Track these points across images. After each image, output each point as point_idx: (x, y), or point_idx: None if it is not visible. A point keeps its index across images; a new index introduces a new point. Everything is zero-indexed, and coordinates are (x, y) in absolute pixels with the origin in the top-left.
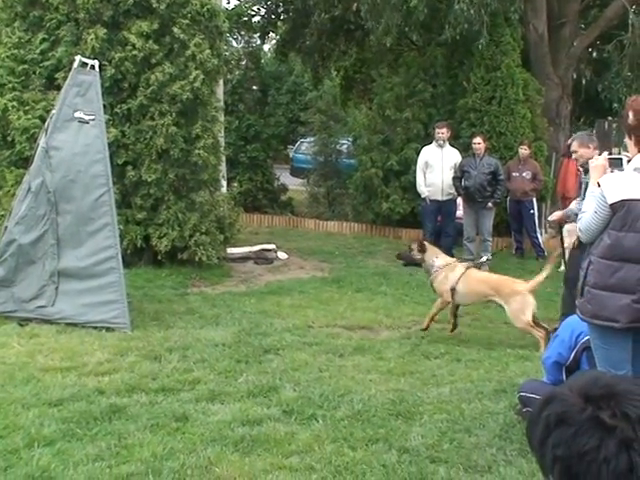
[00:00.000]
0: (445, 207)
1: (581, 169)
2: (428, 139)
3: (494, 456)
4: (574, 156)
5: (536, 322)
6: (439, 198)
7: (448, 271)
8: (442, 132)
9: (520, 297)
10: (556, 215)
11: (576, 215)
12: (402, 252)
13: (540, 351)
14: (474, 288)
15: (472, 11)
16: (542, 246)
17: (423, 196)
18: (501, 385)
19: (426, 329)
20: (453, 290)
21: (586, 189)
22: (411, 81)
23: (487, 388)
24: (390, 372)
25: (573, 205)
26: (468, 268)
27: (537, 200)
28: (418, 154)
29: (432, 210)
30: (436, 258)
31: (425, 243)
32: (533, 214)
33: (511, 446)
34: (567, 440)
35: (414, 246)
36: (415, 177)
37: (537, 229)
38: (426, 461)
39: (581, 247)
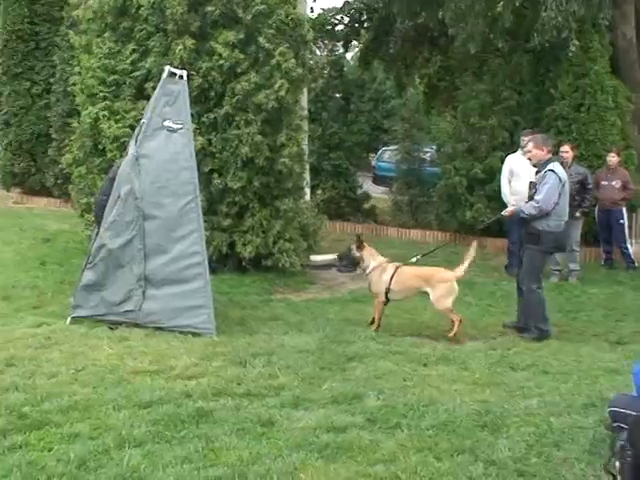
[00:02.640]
0: None
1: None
2: (513, 147)
3: (583, 471)
4: (527, 155)
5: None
6: None
7: (380, 272)
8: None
9: (446, 285)
10: (508, 211)
11: (522, 212)
12: (342, 252)
13: (452, 332)
14: (406, 284)
15: (560, 18)
16: (632, 256)
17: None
18: (590, 399)
19: (377, 329)
20: (388, 290)
21: (535, 188)
22: (496, 88)
23: (576, 402)
24: (475, 383)
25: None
26: (398, 267)
27: (627, 210)
28: (503, 162)
29: (518, 219)
30: (372, 260)
31: (363, 241)
32: (623, 224)
33: (601, 461)
34: None
35: (353, 245)
36: (500, 186)
37: (627, 239)
38: (513, 474)
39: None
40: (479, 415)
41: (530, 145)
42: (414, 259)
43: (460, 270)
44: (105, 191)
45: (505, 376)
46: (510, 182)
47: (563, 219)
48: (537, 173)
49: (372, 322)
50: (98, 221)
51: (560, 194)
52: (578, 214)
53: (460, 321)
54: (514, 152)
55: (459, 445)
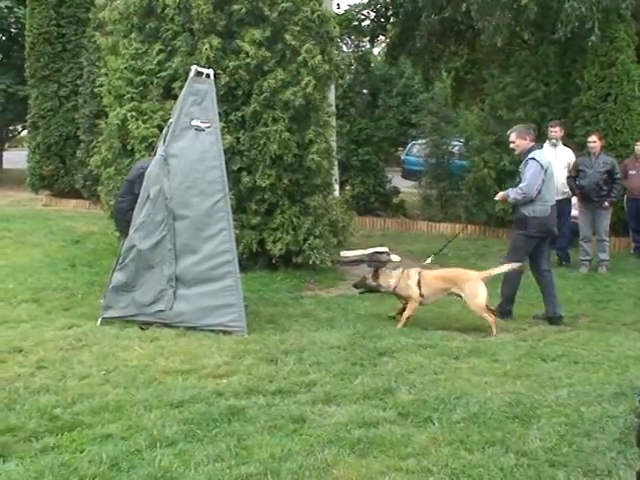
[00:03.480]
0: (560, 207)
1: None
2: (541, 139)
3: (614, 460)
4: (511, 146)
5: (489, 308)
6: None
7: (406, 279)
8: (555, 131)
9: (473, 283)
10: (499, 195)
11: (509, 196)
12: (357, 282)
13: (492, 335)
14: (435, 286)
15: (583, 9)
16: None
17: None
18: (621, 388)
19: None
20: (421, 296)
21: (519, 177)
22: (523, 80)
23: (606, 391)
24: (506, 374)
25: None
26: (420, 272)
27: None
28: None
29: None
30: (390, 279)
31: (378, 271)
32: None
33: (631, 450)
34: None
35: (368, 275)
36: None
37: None
38: (545, 465)
39: None
40: (510, 407)
41: (513, 136)
42: (429, 260)
43: (486, 273)
44: (123, 193)
45: (535, 367)
46: None
47: (549, 204)
48: (521, 162)
49: (394, 317)
50: (117, 224)
51: (543, 180)
52: (607, 204)
53: (495, 321)
54: (542, 143)
55: (490, 437)
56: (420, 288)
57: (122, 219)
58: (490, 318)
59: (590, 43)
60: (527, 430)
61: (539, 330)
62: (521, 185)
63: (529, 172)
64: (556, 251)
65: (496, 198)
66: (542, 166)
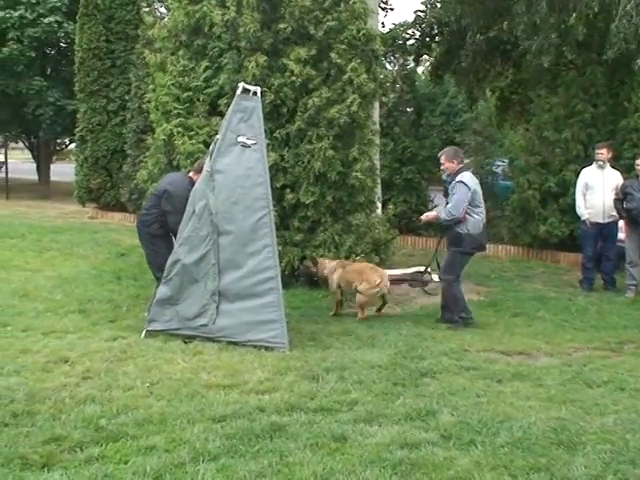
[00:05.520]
0: (606, 230)
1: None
2: (588, 160)
3: None
4: (441, 168)
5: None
6: (600, 221)
7: (331, 273)
8: (602, 153)
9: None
10: (432, 215)
11: (441, 215)
12: (300, 270)
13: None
14: (347, 279)
15: (630, 30)
16: None
17: (583, 218)
18: None
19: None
20: (339, 287)
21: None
22: (570, 101)
23: None
24: (550, 400)
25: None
26: (343, 267)
27: None
28: (577, 175)
29: (593, 233)
30: (324, 268)
31: (317, 258)
32: None
33: None
34: None
35: (308, 263)
36: (574, 199)
37: None
38: None
39: None
40: (555, 432)
41: (442, 159)
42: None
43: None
44: (149, 206)
45: (580, 393)
46: (585, 195)
47: (481, 222)
48: (449, 183)
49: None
50: (139, 234)
51: (471, 201)
52: None
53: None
54: (589, 165)
55: (535, 463)
56: (340, 281)
57: (145, 231)
58: (361, 314)
59: (637, 66)
60: (572, 457)
61: (584, 355)
62: (448, 207)
63: (455, 195)
64: (602, 275)
65: (426, 216)
66: (469, 189)
